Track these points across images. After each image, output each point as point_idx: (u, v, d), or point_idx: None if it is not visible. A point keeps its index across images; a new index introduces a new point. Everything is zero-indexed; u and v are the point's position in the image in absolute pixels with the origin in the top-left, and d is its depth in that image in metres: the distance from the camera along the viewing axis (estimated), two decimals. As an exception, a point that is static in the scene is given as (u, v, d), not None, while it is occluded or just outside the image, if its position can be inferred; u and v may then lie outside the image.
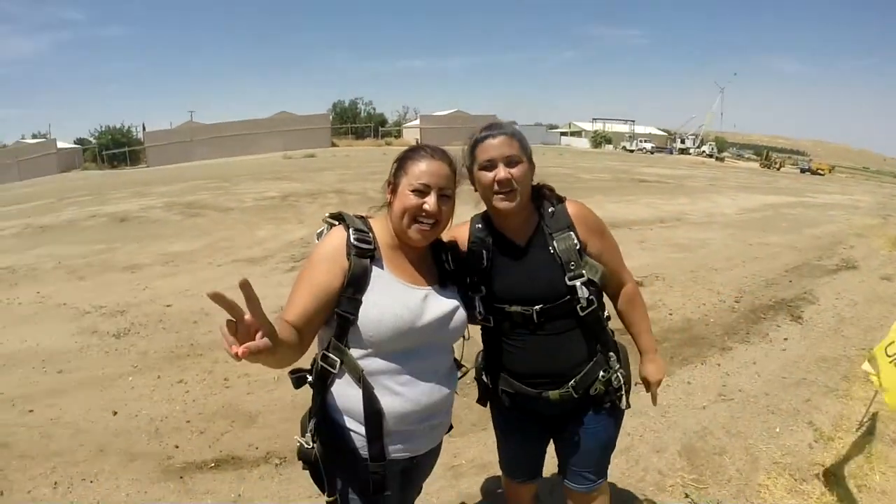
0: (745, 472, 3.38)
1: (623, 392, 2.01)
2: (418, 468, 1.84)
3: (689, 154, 62.83)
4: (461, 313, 1.77)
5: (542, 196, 1.94)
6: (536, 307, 1.84)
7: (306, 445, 1.69)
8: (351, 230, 1.63)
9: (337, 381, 1.66)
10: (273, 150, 38.69)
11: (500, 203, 1.79)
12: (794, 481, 3.29)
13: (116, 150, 41.88)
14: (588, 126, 76.23)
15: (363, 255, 1.61)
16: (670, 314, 6.26)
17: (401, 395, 1.65)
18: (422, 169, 1.65)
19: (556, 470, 2.24)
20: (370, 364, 1.62)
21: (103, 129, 44.00)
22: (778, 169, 50.65)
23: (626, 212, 13.65)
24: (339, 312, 1.59)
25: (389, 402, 1.64)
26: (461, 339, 1.85)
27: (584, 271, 1.83)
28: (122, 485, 3.15)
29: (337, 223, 1.68)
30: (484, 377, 2.12)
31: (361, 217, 1.73)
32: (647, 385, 2.13)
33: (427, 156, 1.67)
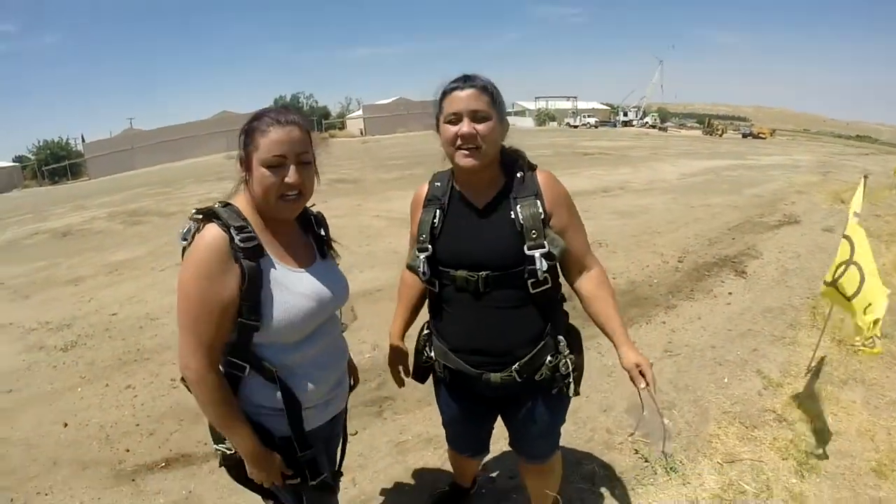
0: (694, 424, 3.44)
1: (571, 379, 1.88)
2: (335, 426, 1.85)
3: (633, 126, 63.92)
4: (345, 282, 1.76)
5: (512, 160, 1.82)
6: (483, 273, 1.74)
7: (229, 451, 1.63)
8: (232, 230, 1.44)
9: (247, 381, 1.57)
10: (217, 151, 37.38)
11: (463, 159, 1.68)
12: (745, 428, 3.36)
13: (56, 164, 40.30)
14: (531, 105, 76.76)
15: (252, 255, 1.46)
16: (614, 278, 6.33)
17: (314, 376, 1.63)
18: (272, 139, 1.47)
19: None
20: (278, 359, 1.56)
21: (41, 143, 42.28)
22: (720, 135, 52.00)
23: (569, 184, 12.92)
24: (243, 322, 1.47)
25: (305, 388, 1.61)
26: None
27: (545, 242, 1.70)
28: (77, 493, 3.12)
29: (206, 219, 1.47)
30: (426, 350, 2.06)
31: (227, 204, 1.53)
32: (638, 372, 1.78)
33: (274, 122, 1.49)
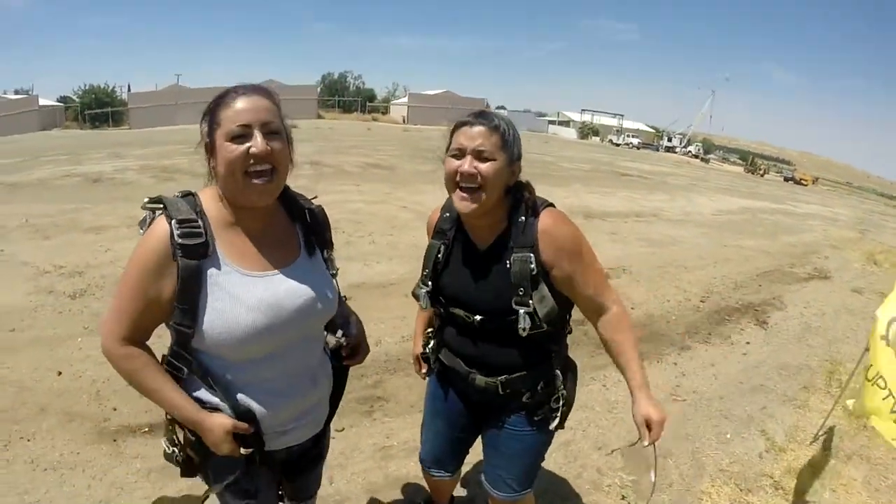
0: (688, 478, 3.33)
1: (559, 413, 1.85)
2: (304, 456, 1.71)
3: (675, 153, 63.20)
4: (328, 291, 1.55)
5: (518, 200, 1.72)
6: (478, 317, 1.76)
7: (168, 450, 1.53)
8: (174, 223, 1.30)
9: (190, 383, 1.44)
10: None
11: (459, 202, 1.63)
12: (740, 491, 3.24)
13: (99, 109, 41.07)
14: (577, 116, 76.19)
15: (192, 253, 1.31)
16: (632, 308, 6.23)
17: (269, 401, 1.47)
18: (236, 109, 1.33)
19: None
20: (224, 373, 1.42)
21: (87, 87, 43.04)
22: (762, 175, 51.29)
23: (601, 203, 13.63)
24: (174, 326, 1.36)
25: (256, 409, 1.45)
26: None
27: (531, 301, 1.66)
28: (58, 445, 3.13)
29: (160, 209, 1.36)
30: (428, 349, 2.08)
31: (190, 193, 1.41)
32: (648, 427, 1.72)
33: (237, 95, 1.35)
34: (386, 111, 57.04)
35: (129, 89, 45.05)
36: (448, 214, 1.84)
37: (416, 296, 1.91)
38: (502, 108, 70.78)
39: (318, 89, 55.55)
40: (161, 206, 1.35)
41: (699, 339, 5.58)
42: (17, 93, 46.14)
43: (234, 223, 1.41)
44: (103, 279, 5.55)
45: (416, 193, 11.70)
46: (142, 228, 1.37)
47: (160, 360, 1.43)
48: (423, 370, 2.17)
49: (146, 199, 1.38)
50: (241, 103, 1.33)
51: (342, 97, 57.22)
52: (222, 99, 1.36)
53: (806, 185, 47.80)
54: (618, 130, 69.19)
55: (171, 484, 2.84)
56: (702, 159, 59.58)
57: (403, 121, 50.15)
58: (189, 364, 1.40)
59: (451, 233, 1.82)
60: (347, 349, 1.75)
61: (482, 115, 1.65)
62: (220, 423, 1.41)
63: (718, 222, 13.49)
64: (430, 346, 2.08)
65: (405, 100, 56.79)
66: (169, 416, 1.50)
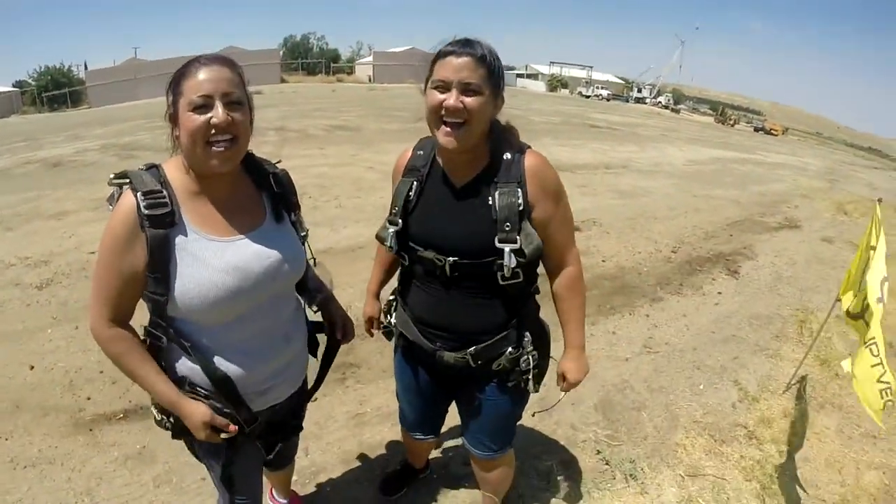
0: (662, 430, 3.38)
1: (531, 376, 1.82)
2: (283, 410, 1.75)
3: (645, 104, 63.12)
4: (295, 253, 1.60)
5: (502, 138, 1.68)
6: (451, 259, 1.65)
7: (157, 418, 1.60)
8: (139, 195, 1.35)
9: (170, 352, 1.51)
10: (222, 88, 37.14)
11: (443, 137, 1.55)
12: (714, 442, 3.30)
13: (57, 91, 39.72)
14: (545, 69, 75.43)
15: (159, 223, 1.36)
16: (603, 261, 6.30)
17: (246, 361, 1.53)
18: (197, 80, 1.36)
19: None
20: (199, 338, 1.48)
21: (42, 69, 41.55)
22: (732, 125, 51.48)
23: (571, 156, 13.64)
24: (148, 294, 1.41)
25: (232, 371, 1.51)
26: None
27: (517, 237, 1.59)
28: (35, 440, 3.10)
29: (126, 183, 1.39)
30: (390, 315, 2.03)
31: (154, 166, 1.44)
32: (563, 380, 1.88)
33: (200, 65, 1.39)
34: (351, 71, 55.81)
35: (85, 67, 43.52)
36: (421, 152, 1.77)
37: (380, 238, 1.81)
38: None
39: (281, 53, 54.06)
40: (127, 180, 1.38)
41: (671, 290, 5.65)
42: (-32, 82, 44.37)
43: (200, 192, 1.45)
44: (69, 266, 5.43)
45: (382, 153, 11.48)
46: (111, 204, 1.40)
47: (141, 332, 1.50)
48: (375, 331, 2.19)
49: (111, 176, 1.41)
50: (203, 74, 1.36)
51: (305, 59, 55.88)
52: (185, 69, 1.39)
53: (776, 136, 48.04)
54: (587, 82, 68.73)
55: (149, 470, 2.87)
56: (672, 110, 59.65)
57: (369, 80, 49.16)
58: (167, 332, 1.46)
59: (424, 170, 1.73)
60: (339, 331, 1.85)
61: (467, 44, 1.54)
62: (200, 411, 1.48)
63: (689, 173, 13.57)
64: (391, 314, 2.03)
65: (370, 59, 55.56)
66: None
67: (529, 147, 1.70)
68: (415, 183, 1.72)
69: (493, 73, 1.55)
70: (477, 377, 1.87)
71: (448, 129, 1.54)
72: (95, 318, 1.43)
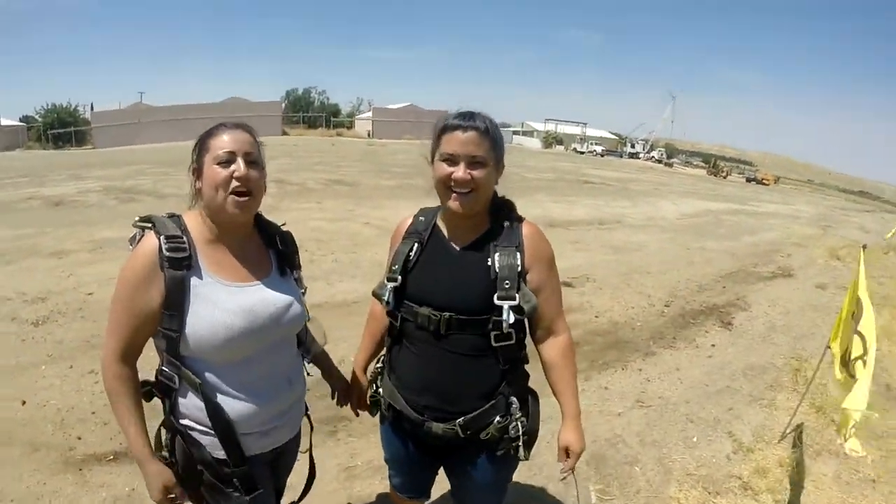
0: (655, 484, 3.34)
1: (520, 443, 1.79)
2: (284, 455, 1.84)
3: (639, 159, 64.12)
4: (296, 305, 1.70)
5: (500, 207, 1.79)
6: (446, 314, 1.69)
7: (164, 461, 1.64)
8: (162, 238, 1.49)
9: (180, 393, 1.58)
10: (223, 136, 37.68)
11: (453, 203, 1.65)
12: (708, 494, 3.26)
13: (62, 129, 40.26)
14: (541, 126, 76.90)
15: (177, 265, 1.49)
16: (596, 316, 6.31)
17: (252, 400, 1.61)
18: (223, 139, 1.56)
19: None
20: (209, 376, 1.56)
21: (49, 106, 42.20)
22: (724, 177, 52.36)
23: (565, 212, 13.77)
24: (162, 331, 1.52)
25: (238, 410, 1.59)
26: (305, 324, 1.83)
27: (517, 295, 1.65)
28: (24, 475, 3.08)
29: (149, 227, 1.54)
30: (377, 383, 2.02)
31: (174, 215, 1.60)
32: (566, 454, 1.82)
33: (225, 129, 1.59)
34: (351, 126, 56.88)
35: (91, 108, 44.23)
36: (423, 218, 1.85)
37: (377, 295, 1.85)
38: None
39: (283, 105, 55.40)
40: (150, 224, 1.53)
41: (664, 344, 5.64)
42: (-24, 113, 44.95)
43: (215, 240, 1.59)
44: (66, 305, 5.45)
45: (379, 209, 11.59)
46: (131, 245, 1.55)
47: (155, 373, 1.61)
48: (360, 408, 2.15)
49: (137, 218, 1.56)
50: (227, 135, 1.56)
51: (307, 113, 56.99)
52: (212, 131, 1.59)
53: (768, 185, 48.95)
54: (581, 139, 70.00)
55: None
56: (665, 164, 60.67)
57: (368, 135, 50.16)
58: (179, 370, 1.55)
59: (425, 233, 1.80)
60: (342, 396, 2.11)
61: (471, 118, 1.65)
62: (164, 476, 1.60)
63: (682, 226, 13.75)
64: (378, 383, 2.03)
65: (369, 114, 56.78)
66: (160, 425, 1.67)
67: (524, 218, 1.81)
68: (416, 244, 1.79)
69: (495, 145, 1.67)
70: (465, 446, 1.84)
71: (458, 195, 1.65)
72: (107, 352, 1.53)
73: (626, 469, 3.48)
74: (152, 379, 1.62)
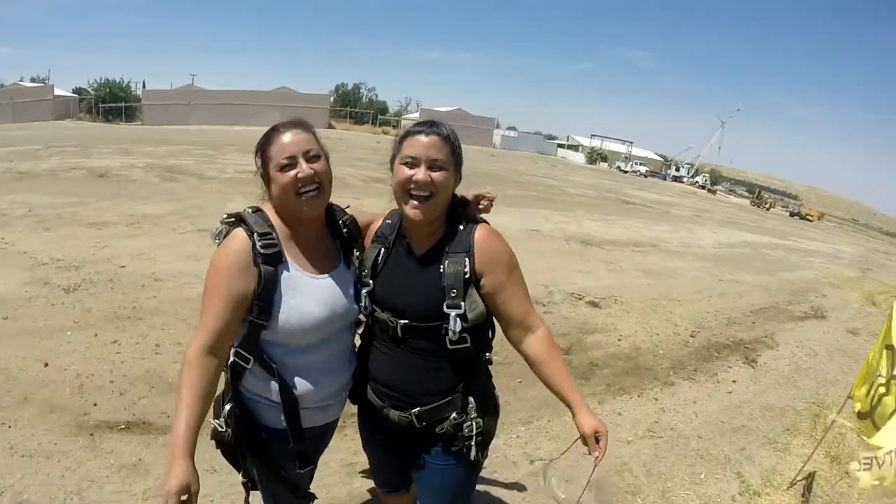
0: None
1: (473, 443, 1.81)
2: (328, 431, 1.95)
3: (682, 182, 63.04)
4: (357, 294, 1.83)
5: (458, 211, 1.84)
6: (402, 321, 1.75)
7: (220, 428, 1.71)
8: (255, 236, 1.60)
9: (250, 372, 1.69)
10: (270, 124, 38.10)
11: (411, 210, 1.70)
12: None
13: (113, 104, 41.43)
14: (586, 141, 76.17)
15: (270, 261, 1.61)
16: (619, 340, 6.21)
17: (318, 381, 1.74)
18: (282, 143, 1.65)
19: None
20: (285, 359, 1.68)
21: (102, 81, 43.45)
22: (768, 209, 51.03)
23: (602, 231, 13.59)
24: (252, 320, 1.62)
25: (307, 390, 1.72)
26: None
27: (462, 303, 1.70)
28: (37, 434, 3.22)
29: (235, 223, 1.65)
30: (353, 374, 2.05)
31: (258, 209, 1.70)
32: (595, 439, 1.72)
33: (281, 131, 1.68)
34: (397, 125, 57.15)
35: (143, 86, 45.47)
36: (390, 221, 1.90)
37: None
38: (513, 128, 70.76)
39: (332, 99, 56.15)
40: (240, 220, 1.65)
41: (684, 375, 5.53)
42: (33, 81, 46.61)
43: (293, 234, 1.71)
44: (98, 275, 5.60)
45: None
46: (217, 240, 1.67)
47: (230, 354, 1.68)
48: None
49: (224, 215, 1.68)
50: (284, 138, 1.66)
51: (354, 108, 57.62)
52: (269, 137, 1.69)
53: (811, 221, 47.60)
54: (626, 157, 69.10)
55: (141, 482, 2.94)
56: (709, 190, 59.50)
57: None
58: (254, 353, 1.66)
59: (391, 237, 1.86)
60: None
61: (434, 125, 1.74)
62: (189, 474, 1.44)
63: (718, 255, 13.45)
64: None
65: (416, 115, 57.03)
66: (220, 395, 1.72)
67: (484, 221, 1.85)
68: (382, 249, 1.84)
69: (454, 152, 1.75)
70: (424, 440, 1.89)
71: (416, 202, 1.70)
72: (195, 341, 1.57)
73: (628, 498, 3.44)
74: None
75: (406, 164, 1.70)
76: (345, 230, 1.86)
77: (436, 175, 1.68)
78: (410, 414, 1.81)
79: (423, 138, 1.70)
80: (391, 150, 1.80)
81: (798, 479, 3.80)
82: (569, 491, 1.96)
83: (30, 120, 33.54)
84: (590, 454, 1.74)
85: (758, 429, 4.64)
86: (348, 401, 1.99)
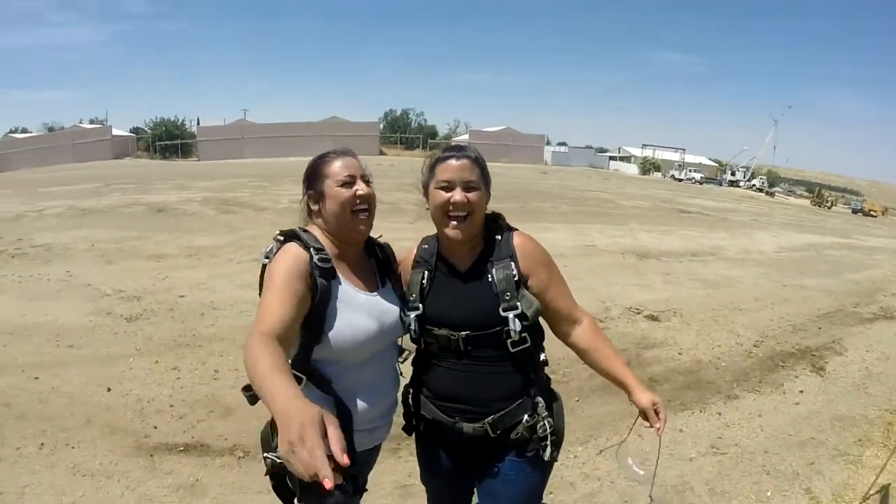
0: None
1: (549, 442, 1.84)
2: (374, 454, 1.96)
3: (739, 187, 61.04)
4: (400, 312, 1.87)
5: (493, 225, 1.92)
6: (463, 333, 1.79)
7: (278, 460, 1.27)
8: (312, 250, 1.65)
9: (304, 390, 1.56)
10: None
11: (452, 231, 1.79)
12: None
13: (169, 141, 43.25)
14: (638, 152, 74.89)
15: (326, 275, 1.65)
16: (679, 353, 6.00)
17: (368, 398, 1.76)
18: (341, 165, 1.76)
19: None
20: (338, 375, 1.69)
21: (158, 120, 45.54)
22: (829, 208, 48.90)
23: (658, 242, 13.31)
24: (305, 334, 1.62)
25: (359, 409, 1.73)
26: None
27: (518, 303, 1.77)
28: (99, 454, 3.36)
29: (286, 240, 1.69)
30: (409, 400, 2.04)
31: (306, 231, 1.76)
32: (656, 413, 1.79)
33: (337, 156, 1.78)
34: (447, 148, 57.84)
35: (198, 123, 47.41)
36: (426, 247, 1.96)
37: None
38: (563, 144, 70.47)
39: (381, 126, 57.04)
40: (291, 237, 1.70)
41: (748, 388, 5.27)
42: (91, 122, 49.18)
43: (339, 254, 1.77)
44: (159, 305, 5.82)
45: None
46: (267, 257, 1.69)
47: None
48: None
49: (277, 232, 1.73)
50: (343, 160, 1.77)
51: (404, 134, 58.50)
52: (324, 160, 1.79)
53: (875, 217, 45.48)
54: (680, 165, 67.62)
55: (197, 502, 2.99)
56: (767, 193, 57.52)
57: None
58: (307, 372, 1.66)
59: (431, 260, 1.92)
60: None
61: (462, 149, 1.85)
62: (307, 409, 1.08)
63: (779, 260, 12.95)
64: (409, 403, 2.03)
65: (466, 137, 57.37)
66: (268, 426, 1.64)
67: (517, 229, 1.93)
68: (426, 272, 1.90)
69: (483, 172, 1.84)
70: (495, 452, 1.89)
71: (455, 222, 1.79)
72: (254, 327, 1.41)
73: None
74: None
75: (442, 188, 1.79)
76: (380, 253, 1.94)
77: (471, 195, 1.77)
78: (484, 423, 1.82)
79: (454, 162, 1.79)
80: (422, 177, 1.89)
81: (871, 492, 3.54)
82: (644, 466, 2.00)
83: (90, 160, 35.35)
84: (651, 427, 1.82)
85: (827, 441, 4.37)
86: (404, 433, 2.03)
